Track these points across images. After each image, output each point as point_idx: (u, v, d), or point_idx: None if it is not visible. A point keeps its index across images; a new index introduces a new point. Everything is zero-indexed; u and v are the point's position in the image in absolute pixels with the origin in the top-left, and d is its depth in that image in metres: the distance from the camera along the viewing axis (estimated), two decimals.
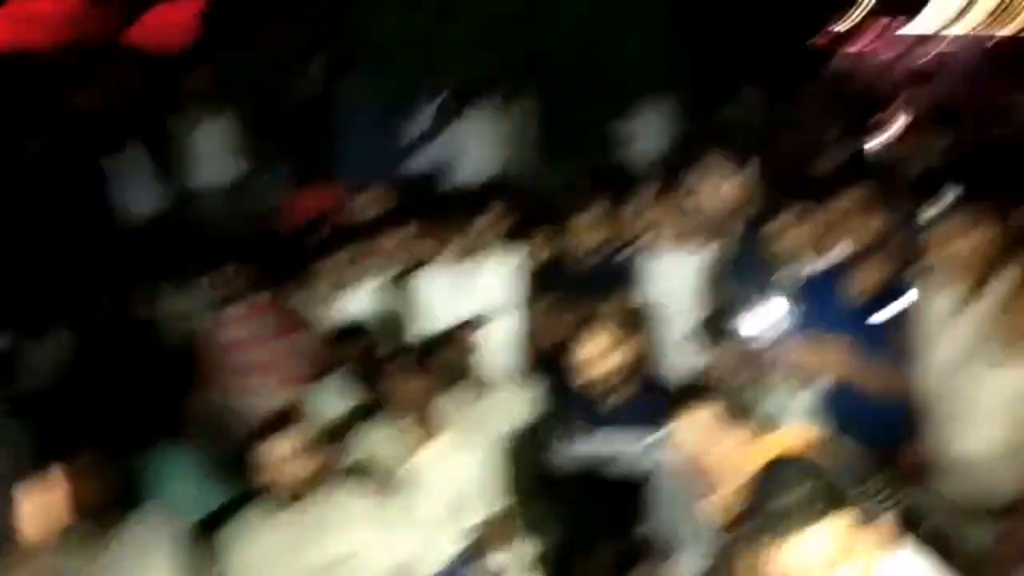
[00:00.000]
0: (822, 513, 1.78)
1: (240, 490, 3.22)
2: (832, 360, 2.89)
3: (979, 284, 2.48)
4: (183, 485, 3.30)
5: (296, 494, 3.04)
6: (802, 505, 1.78)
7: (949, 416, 2.62)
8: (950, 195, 2.41)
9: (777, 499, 1.80)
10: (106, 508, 2.82)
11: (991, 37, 18.86)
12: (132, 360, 4.03)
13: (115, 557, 2.79)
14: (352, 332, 4.09)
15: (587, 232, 4.08)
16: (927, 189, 2.59)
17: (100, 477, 2.79)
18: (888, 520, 1.88)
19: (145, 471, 3.48)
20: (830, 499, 1.80)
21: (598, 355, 3.36)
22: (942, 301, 2.61)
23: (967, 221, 2.41)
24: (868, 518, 1.83)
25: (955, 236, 2.42)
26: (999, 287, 2.44)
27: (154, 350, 4.19)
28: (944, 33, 19.75)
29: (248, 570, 2.95)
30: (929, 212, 2.48)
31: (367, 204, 5.10)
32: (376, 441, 3.54)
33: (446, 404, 3.84)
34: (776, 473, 1.88)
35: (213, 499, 3.34)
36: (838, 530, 1.79)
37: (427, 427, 3.47)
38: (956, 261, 2.45)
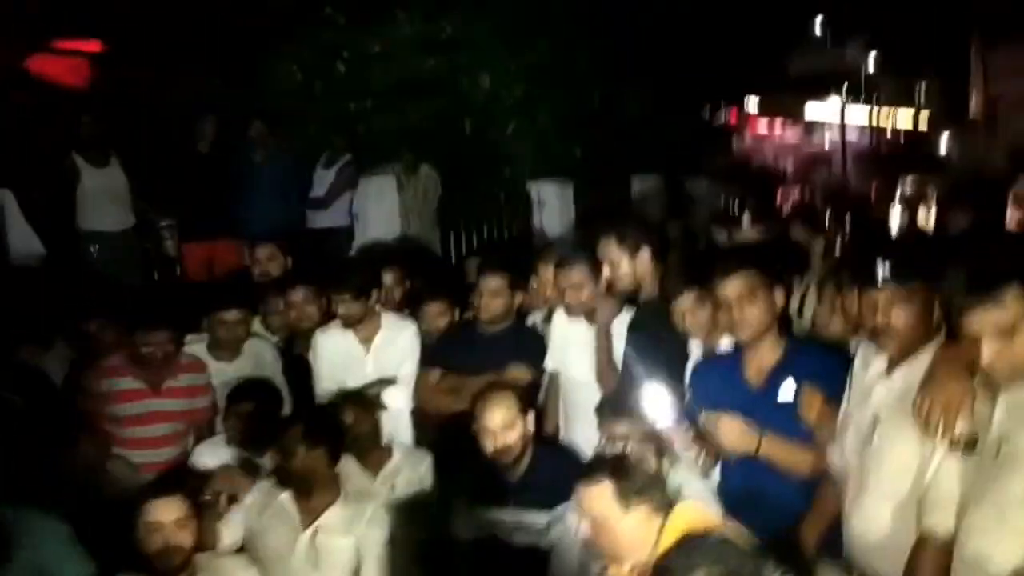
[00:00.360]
0: None
1: (117, 557, 3.03)
2: (734, 438, 2.94)
3: (900, 357, 2.57)
4: (53, 548, 3.09)
5: (169, 568, 2.88)
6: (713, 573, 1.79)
7: (852, 490, 2.68)
8: (883, 271, 2.51)
9: (691, 563, 1.81)
10: None
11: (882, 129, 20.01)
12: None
13: None
14: (242, 392, 3.96)
15: (488, 301, 4.07)
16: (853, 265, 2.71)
17: None
18: None
19: (10, 532, 3.27)
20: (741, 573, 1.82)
21: (501, 424, 3.34)
22: (866, 372, 2.71)
23: (894, 296, 2.52)
24: None
25: (883, 311, 2.52)
26: (919, 363, 2.53)
27: (28, 399, 3.95)
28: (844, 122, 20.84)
29: None
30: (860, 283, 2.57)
31: (264, 260, 4.97)
32: (275, 507, 3.39)
33: (344, 471, 3.77)
34: (687, 549, 1.89)
35: (84, 566, 3.13)
36: None
37: (326, 494, 3.34)
38: (884, 335, 2.55)
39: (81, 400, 3.98)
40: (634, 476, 2.59)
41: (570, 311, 3.92)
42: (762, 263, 3.06)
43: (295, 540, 3.29)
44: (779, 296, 3.04)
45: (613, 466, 2.61)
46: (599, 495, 2.55)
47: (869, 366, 2.70)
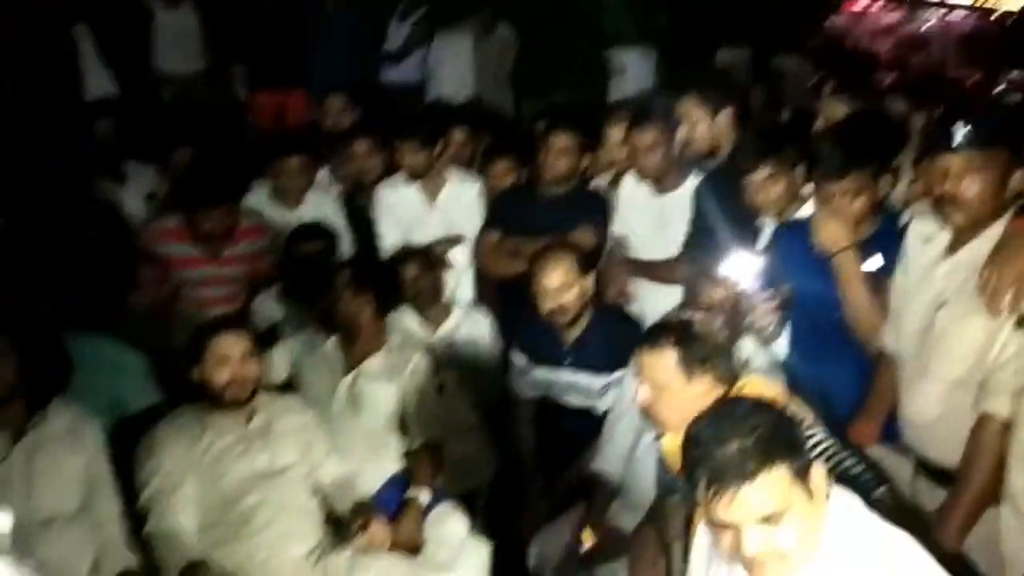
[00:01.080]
0: (766, 455, 1.70)
1: (177, 389, 3.08)
2: (829, 231, 2.81)
3: (967, 232, 2.41)
4: (128, 379, 3.15)
5: (238, 398, 2.92)
6: (747, 444, 1.70)
7: (909, 374, 2.57)
8: (960, 135, 2.32)
9: (722, 433, 1.72)
10: (29, 392, 2.68)
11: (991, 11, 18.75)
12: (69, 244, 3.84)
13: (35, 443, 2.66)
14: (300, 236, 3.94)
15: (554, 160, 3.94)
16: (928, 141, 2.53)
17: (22, 360, 2.65)
18: (827, 476, 1.79)
19: (75, 359, 3.34)
20: (777, 443, 1.72)
21: (557, 284, 3.28)
22: (925, 250, 2.56)
23: (968, 162, 2.34)
24: (813, 473, 1.76)
25: (954, 177, 2.34)
26: (987, 239, 2.37)
27: (95, 237, 3.98)
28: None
29: (180, 473, 2.82)
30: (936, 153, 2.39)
31: (334, 112, 4.92)
32: (319, 353, 3.42)
33: (403, 326, 3.77)
34: (718, 416, 1.80)
35: (146, 396, 3.20)
36: (781, 480, 1.71)
37: (370, 342, 3.34)
38: (952, 205, 2.38)
39: (154, 239, 3.99)
40: (699, 345, 2.48)
41: (641, 174, 3.78)
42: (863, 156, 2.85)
43: (336, 385, 3.31)
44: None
45: (678, 333, 2.49)
46: (662, 362, 2.44)
47: (928, 243, 2.54)
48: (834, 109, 3.94)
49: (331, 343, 3.39)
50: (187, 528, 2.79)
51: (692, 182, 3.69)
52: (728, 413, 1.79)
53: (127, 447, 2.93)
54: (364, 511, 2.96)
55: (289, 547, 2.83)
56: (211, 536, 2.80)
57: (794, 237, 3.02)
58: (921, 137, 3.98)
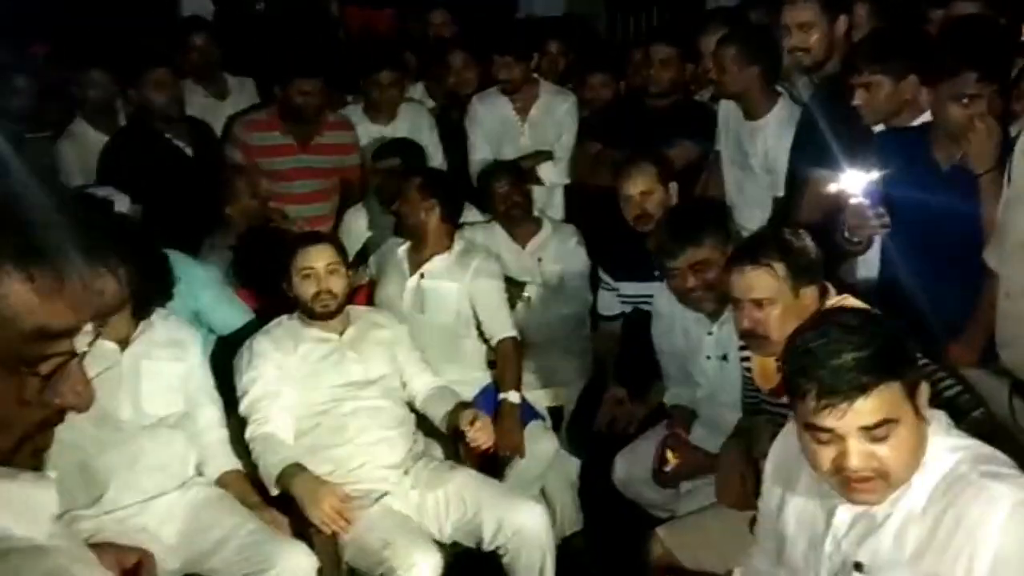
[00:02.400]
0: (882, 368, 1.63)
1: (273, 301, 3.16)
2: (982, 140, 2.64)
3: None
4: (206, 293, 3.25)
5: (327, 311, 2.99)
6: (863, 356, 1.65)
7: (1009, 292, 2.48)
8: None
9: (836, 343, 1.67)
10: (135, 303, 2.78)
11: None
12: (166, 158, 3.95)
13: (140, 352, 2.77)
14: (387, 149, 3.97)
15: (657, 71, 3.87)
16: None
17: (130, 273, 2.74)
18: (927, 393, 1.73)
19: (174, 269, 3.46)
20: (893, 357, 1.67)
21: (640, 190, 3.30)
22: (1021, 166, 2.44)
23: None
24: (921, 391, 1.70)
25: None
26: None
27: (196, 147, 4.09)
28: None
29: (278, 382, 2.92)
30: None
31: (436, 25, 4.92)
32: (394, 259, 3.52)
33: (493, 241, 3.79)
34: (837, 319, 1.74)
35: (235, 312, 3.29)
36: (893, 395, 1.65)
37: (436, 246, 3.43)
38: None
39: (237, 153, 4.09)
40: (802, 257, 2.43)
41: (722, 94, 3.65)
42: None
43: (403, 286, 3.42)
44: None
45: (780, 247, 2.44)
46: (768, 278, 2.39)
47: None
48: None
49: (403, 249, 3.50)
50: (285, 434, 2.89)
51: (781, 111, 3.55)
52: (840, 324, 1.71)
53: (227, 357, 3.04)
54: (467, 410, 3.02)
55: (381, 454, 2.92)
56: (307, 442, 2.91)
57: (904, 146, 2.88)
58: None
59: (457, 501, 2.85)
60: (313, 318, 3.00)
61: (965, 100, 2.64)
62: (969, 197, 2.68)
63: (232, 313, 3.25)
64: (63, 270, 0.92)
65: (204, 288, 3.19)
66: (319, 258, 2.98)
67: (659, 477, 2.97)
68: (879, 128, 3.08)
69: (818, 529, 1.81)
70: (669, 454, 2.91)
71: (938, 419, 1.74)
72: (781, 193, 3.53)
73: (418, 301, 3.43)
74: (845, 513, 1.75)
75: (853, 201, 2.74)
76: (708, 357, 2.99)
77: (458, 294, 3.41)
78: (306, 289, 2.96)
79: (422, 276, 3.44)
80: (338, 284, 3.00)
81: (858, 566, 1.73)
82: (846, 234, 2.86)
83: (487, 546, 2.82)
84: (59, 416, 0.98)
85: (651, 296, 3.33)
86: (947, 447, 1.69)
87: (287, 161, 4.08)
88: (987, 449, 1.71)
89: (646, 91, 3.99)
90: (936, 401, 2.17)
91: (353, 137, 4.22)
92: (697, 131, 3.87)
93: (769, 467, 2.01)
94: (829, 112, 3.24)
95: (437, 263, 3.43)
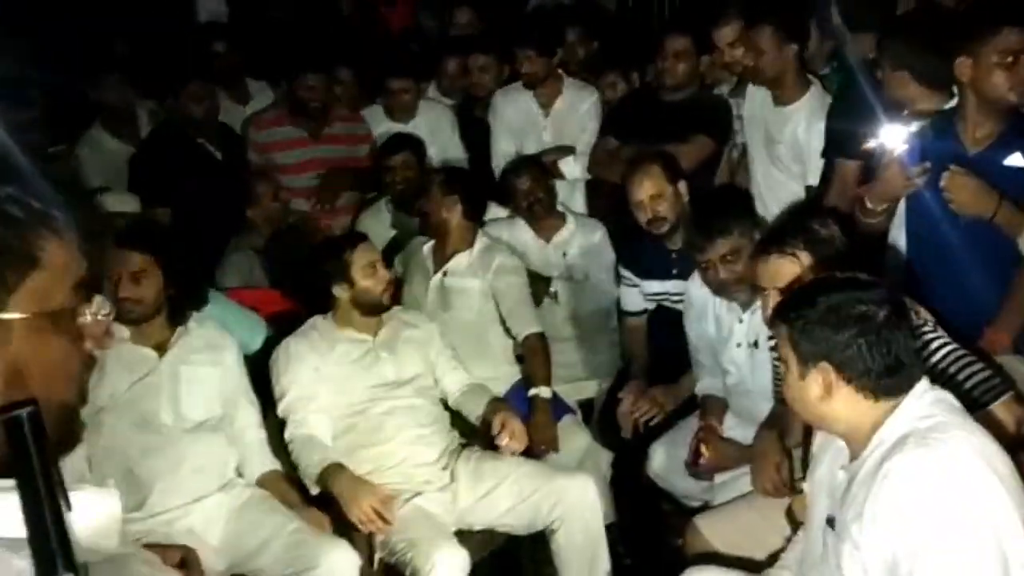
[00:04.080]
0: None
1: (307, 301, 3.20)
2: (968, 196, 2.64)
3: None
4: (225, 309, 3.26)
5: (371, 309, 3.04)
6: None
7: None
8: None
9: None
10: (171, 308, 2.83)
11: None
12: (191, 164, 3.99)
13: (178, 357, 2.82)
14: (394, 144, 4.00)
15: (672, 63, 3.86)
16: None
17: (167, 278, 2.78)
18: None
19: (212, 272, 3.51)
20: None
21: (649, 194, 3.28)
22: None
23: None
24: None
25: None
26: None
27: (224, 151, 4.14)
28: None
29: (315, 384, 2.95)
30: None
31: (462, 26, 4.94)
32: (418, 258, 3.57)
33: (517, 237, 3.82)
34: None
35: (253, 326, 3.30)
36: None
37: (459, 243, 3.47)
38: None
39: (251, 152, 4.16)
40: (827, 246, 2.45)
41: (754, 80, 3.65)
42: None
43: (428, 285, 3.46)
44: None
45: (808, 236, 2.46)
46: (794, 266, 2.41)
47: None
48: None
49: (428, 247, 3.54)
50: (324, 435, 2.93)
51: (813, 98, 3.53)
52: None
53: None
54: (500, 408, 3.06)
55: (419, 451, 2.95)
56: (345, 442, 2.94)
57: (930, 131, 2.85)
58: None
59: (509, 485, 2.88)
60: (371, 314, 3.04)
61: (1010, 59, 2.60)
62: (996, 182, 2.66)
63: (246, 336, 3.20)
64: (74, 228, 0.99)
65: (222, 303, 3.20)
66: (373, 253, 3.05)
67: (693, 470, 2.99)
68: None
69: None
70: (703, 448, 2.93)
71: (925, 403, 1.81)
72: (812, 182, 3.52)
73: (442, 299, 3.47)
74: (842, 473, 1.86)
75: (895, 153, 2.70)
76: (739, 345, 3.01)
77: (480, 291, 3.44)
78: (375, 284, 3.01)
79: (445, 274, 3.47)
80: (390, 277, 3.09)
81: (830, 521, 1.85)
82: (868, 204, 2.84)
83: (541, 525, 2.86)
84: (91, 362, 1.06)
85: (674, 293, 3.36)
86: (911, 415, 1.77)
87: (299, 153, 4.14)
88: (946, 418, 1.77)
89: (661, 84, 3.96)
90: (961, 383, 2.23)
91: (365, 128, 4.29)
92: (714, 125, 3.86)
93: (816, 453, 2.07)
94: (861, 99, 3.23)
95: (459, 261, 3.47)
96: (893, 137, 2.72)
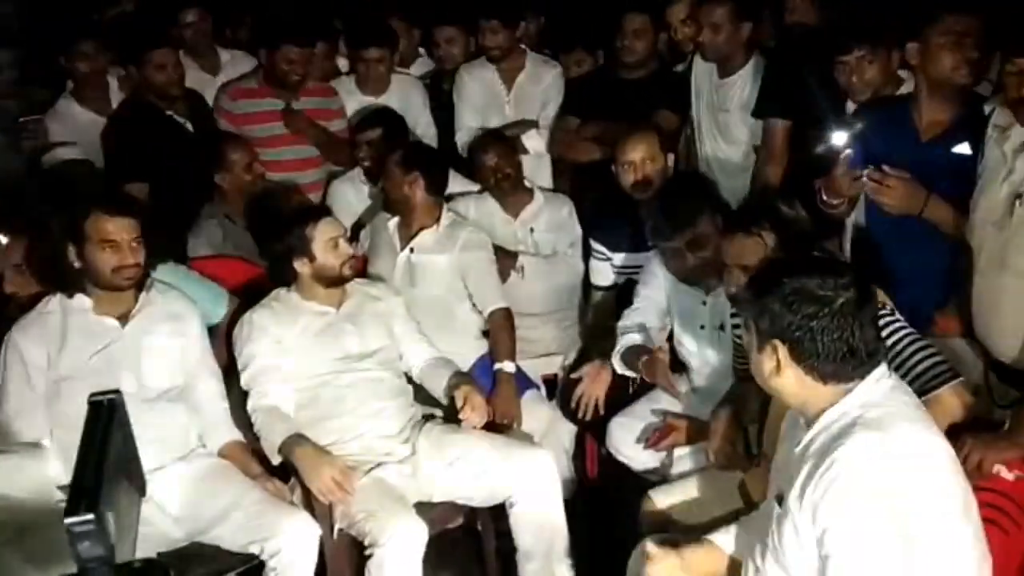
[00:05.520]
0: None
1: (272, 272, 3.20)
2: (899, 196, 2.73)
3: None
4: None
5: (352, 277, 3.07)
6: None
7: (984, 266, 2.53)
8: None
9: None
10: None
11: None
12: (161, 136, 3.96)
13: (142, 327, 2.83)
14: (368, 120, 3.96)
15: (631, 42, 3.88)
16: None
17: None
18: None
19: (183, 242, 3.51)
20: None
21: (642, 157, 3.34)
22: (1001, 140, 2.48)
23: None
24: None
25: None
26: None
27: (194, 122, 4.11)
28: None
29: (278, 355, 2.97)
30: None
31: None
32: (384, 234, 3.56)
33: (485, 212, 3.83)
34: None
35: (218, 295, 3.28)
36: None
37: (424, 219, 3.48)
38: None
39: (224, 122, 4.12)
40: (794, 228, 2.51)
41: (703, 53, 3.68)
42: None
43: (395, 261, 3.48)
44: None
45: (774, 217, 2.52)
46: (758, 246, 2.47)
47: (1004, 133, 2.47)
48: None
49: (393, 223, 3.54)
50: (286, 406, 2.95)
51: (754, 64, 3.65)
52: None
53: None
54: (463, 383, 3.08)
55: (381, 424, 2.98)
56: (308, 414, 2.96)
57: (885, 117, 2.93)
58: None
59: (469, 459, 2.91)
60: (334, 285, 3.05)
61: (954, 40, 2.68)
62: (946, 170, 2.74)
63: (208, 306, 3.17)
64: None
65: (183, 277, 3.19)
66: (337, 228, 3.06)
67: (651, 447, 3.03)
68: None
69: None
70: (666, 434, 2.97)
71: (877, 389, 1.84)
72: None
73: (409, 275, 3.48)
74: (796, 452, 1.88)
75: (841, 156, 2.78)
76: (702, 327, 3.04)
77: (448, 267, 3.46)
78: (335, 259, 3.02)
79: (411, 251, 3.48)
80: (352, 251, 3.10)
81: (779, 498, 1.89)
82: (824, 197, 2.90)
83: (501, 498, 2.90)
84: None
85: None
86: (861, 402, 1.81)
87: (272, 128, 4.09)
88: (895, 409, 1.80)
89: (621, 63, 3.97)
90: (913, 367, 2.28)
91: (337, 103, 4.24)
92: (675, 100, 3.89)
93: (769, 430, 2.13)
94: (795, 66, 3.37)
95: (426, 237, 3.48)
96: (839, 140, 2.79)
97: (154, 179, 3.80)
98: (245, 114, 4.09)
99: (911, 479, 1.71)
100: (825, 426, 1.82)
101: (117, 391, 1.56)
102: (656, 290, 3.17)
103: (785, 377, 1.86)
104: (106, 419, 1.31)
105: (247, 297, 3.20)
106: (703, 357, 3.07)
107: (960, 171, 2.70)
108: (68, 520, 1.28)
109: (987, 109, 2.64)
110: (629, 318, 3.19)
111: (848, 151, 2.76)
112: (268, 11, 4.59)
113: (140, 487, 1.72)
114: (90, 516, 1.24)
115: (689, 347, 3.11)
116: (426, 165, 3.47)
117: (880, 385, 1.84)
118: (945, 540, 1.71)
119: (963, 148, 2.74)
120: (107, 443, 1.45)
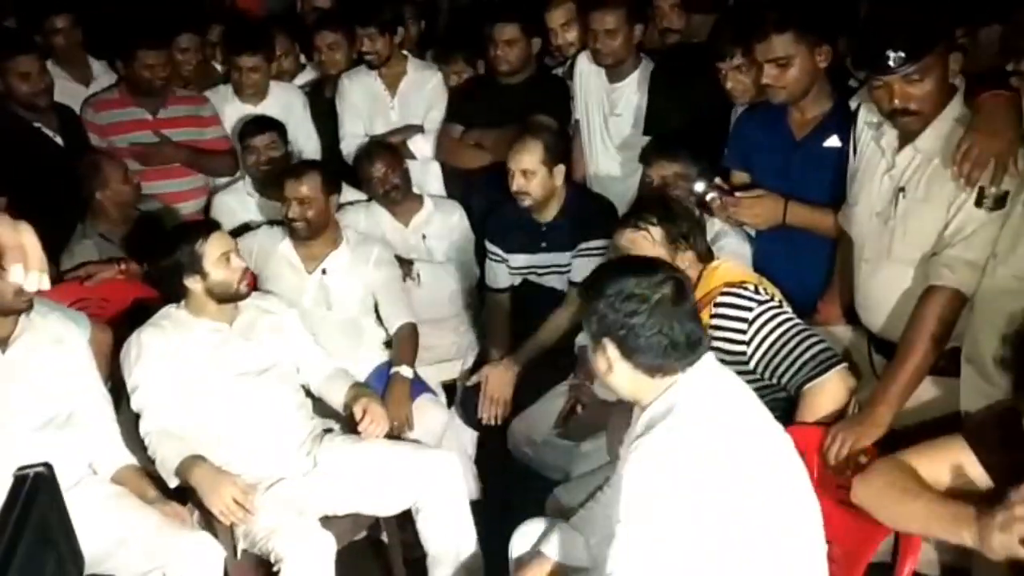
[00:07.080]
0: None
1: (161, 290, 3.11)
2: (759, 213, 2.91)
3: (924, 125, 2.45)
4: None
5: (247, 293, 3.00)
6: None
7: (868, 256, 2.64)
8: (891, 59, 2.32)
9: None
10: None
11: None
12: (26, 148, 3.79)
13: (24, 351, 2.70)
14: (253, 127, 3.90)
15: (504, 51, 3.89)
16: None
17: None
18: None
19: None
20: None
21: (529, 164, 3.34)
22: (876, 136, 2.60)
23: (907, 80, 2.32)
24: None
25: (900, 96, 2.35)
26: (944, 120, 2.40)
27: (65, 136, 3.94)
28: None
29: (169, 375, 2.87)
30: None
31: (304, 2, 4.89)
32: (278, 252, 3.50)
33: (376, 220, 3.80)
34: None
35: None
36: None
37: (324, 241, 3.45)
38: (906, 116, 2.40)
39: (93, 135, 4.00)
40: (681, 221, 2.60)
41: (596, 59, 3.74)
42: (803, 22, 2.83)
43: (303, 284, 3.43)
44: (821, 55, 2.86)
45: (661, 211, 2.61)
46: (645, 241, 2.55)
47: (878, 130, 2.58)
48: None
49: (286, 242, 3.47)
50: (180, 426, 2.86)
51: (644, 68, 3.72)
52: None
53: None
54: (362, 394, 3.06)
55: (280, 439, 2.93)
56: (204, 433, 2.88)
57: (764, 120, 3.06)
58: None
59: (372, 468, 2.89)
60: (228, 301, 2.97)
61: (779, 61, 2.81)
62: (820, 165, 2.88)
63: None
64: None
65: None
66: (228, 244, 2.97)
67: (563, 427, 3.08)
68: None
69: None
70: (577, 406, 3.02)
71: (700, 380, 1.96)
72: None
73: (324, 298, 3.43)
74: None
75: (708, 199, 2.95)
76: None
77: (362, 286, 3.45)
78: (230, 274, 2.94)
79: (323, 272, 3.43)
80: (244, 266, 3.02)
81: None
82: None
83: (407, 505, 2.90)
84: None
85: (541, 267, 3.46)
86: (674, 397, 1.92)
87: (140, 137, 3.99)
88: (693, 406, 1.91)
89: (496, 71, 3.98)
90: (802, 354, 2.38)
91: (209, 110, 4.15)
92: (554, 105, 3.91)
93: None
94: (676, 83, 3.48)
95: (336, 259, 3.45)
96: (699, 187, 2.96)
97: (18, 195, 3.62)
98: (109, 125, 3.98)
99: (691, 474, 1.82)
100: (646, 421, 1.93)
101: (47, 464, 1.43)
102: None
103: (617, 374, 1.97)
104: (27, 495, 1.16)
105: (138, 317, 3.09)
106: None
107: (832, 163, 2.85)
108: None
109: (853, 105, 2.75)
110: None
111: (712, 195, 2.93)
112: (123, 16, 4.44)
113: (77, 567, 1.57)
114: None
115: None
116: (336, 184, 3.48)
117: (704, 375, 1.95)
118: (726, 529, 1.82)
119: (833, 141, 2.88)
120: (25, 522, 1.32)
